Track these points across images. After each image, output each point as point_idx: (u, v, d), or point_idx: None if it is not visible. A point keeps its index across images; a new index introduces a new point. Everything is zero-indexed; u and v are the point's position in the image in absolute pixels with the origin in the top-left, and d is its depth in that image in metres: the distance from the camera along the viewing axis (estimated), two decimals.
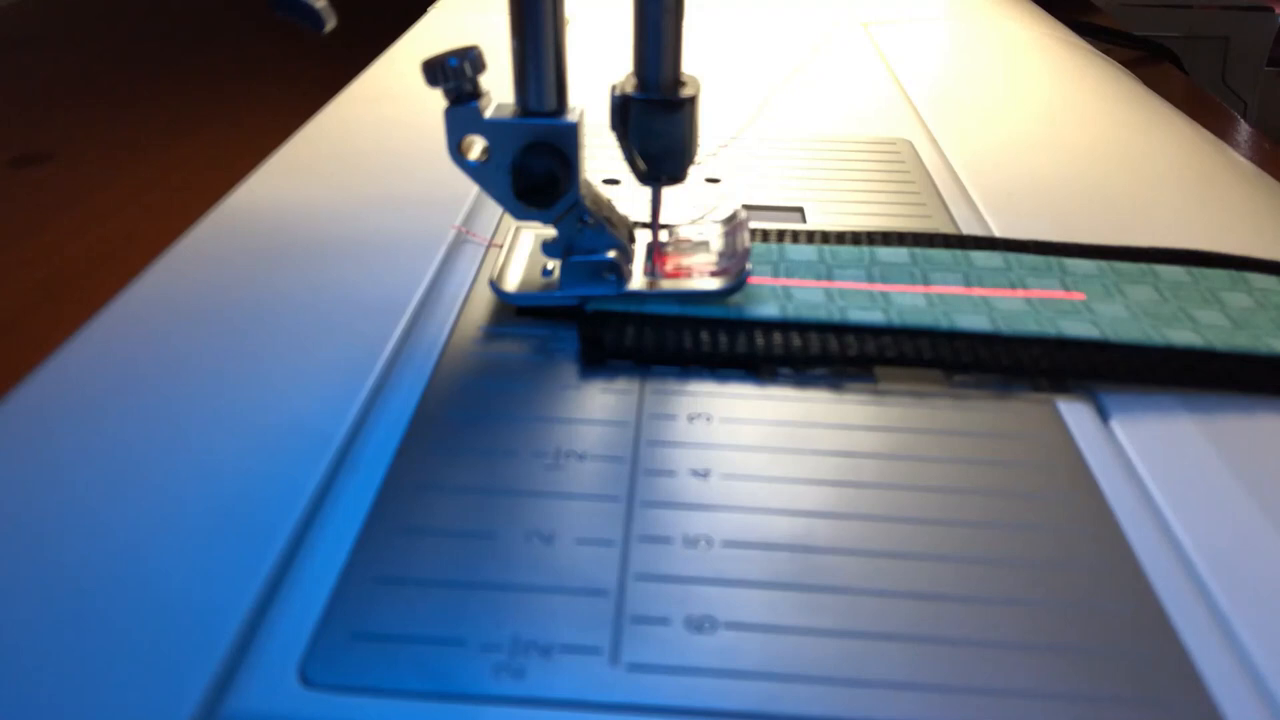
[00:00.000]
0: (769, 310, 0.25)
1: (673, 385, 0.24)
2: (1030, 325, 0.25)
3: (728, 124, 0.40)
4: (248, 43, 0.89)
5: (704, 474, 0.21)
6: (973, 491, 0.21)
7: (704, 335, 0.25)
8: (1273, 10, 0.84)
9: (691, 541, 0.19)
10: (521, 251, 0.28)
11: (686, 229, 0.29)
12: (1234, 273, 0.28)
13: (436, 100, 0.23)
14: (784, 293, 0.26)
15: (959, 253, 0.29)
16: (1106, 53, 0.58)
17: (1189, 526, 0.20)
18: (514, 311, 0.27)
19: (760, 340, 0.25)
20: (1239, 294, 0.27)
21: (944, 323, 0.25)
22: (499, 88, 0.24)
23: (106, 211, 0.55)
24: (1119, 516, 0.20)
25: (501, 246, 0.28)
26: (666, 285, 0.26)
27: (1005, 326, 0.25)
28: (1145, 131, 0.42)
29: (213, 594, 0.18)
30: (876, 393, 0.24)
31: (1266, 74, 0.85)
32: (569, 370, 0.24)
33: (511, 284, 0.26)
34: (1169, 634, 0.17)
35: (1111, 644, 0.17)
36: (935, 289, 0.27)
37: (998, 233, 0.31)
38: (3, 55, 0.83)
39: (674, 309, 0.26)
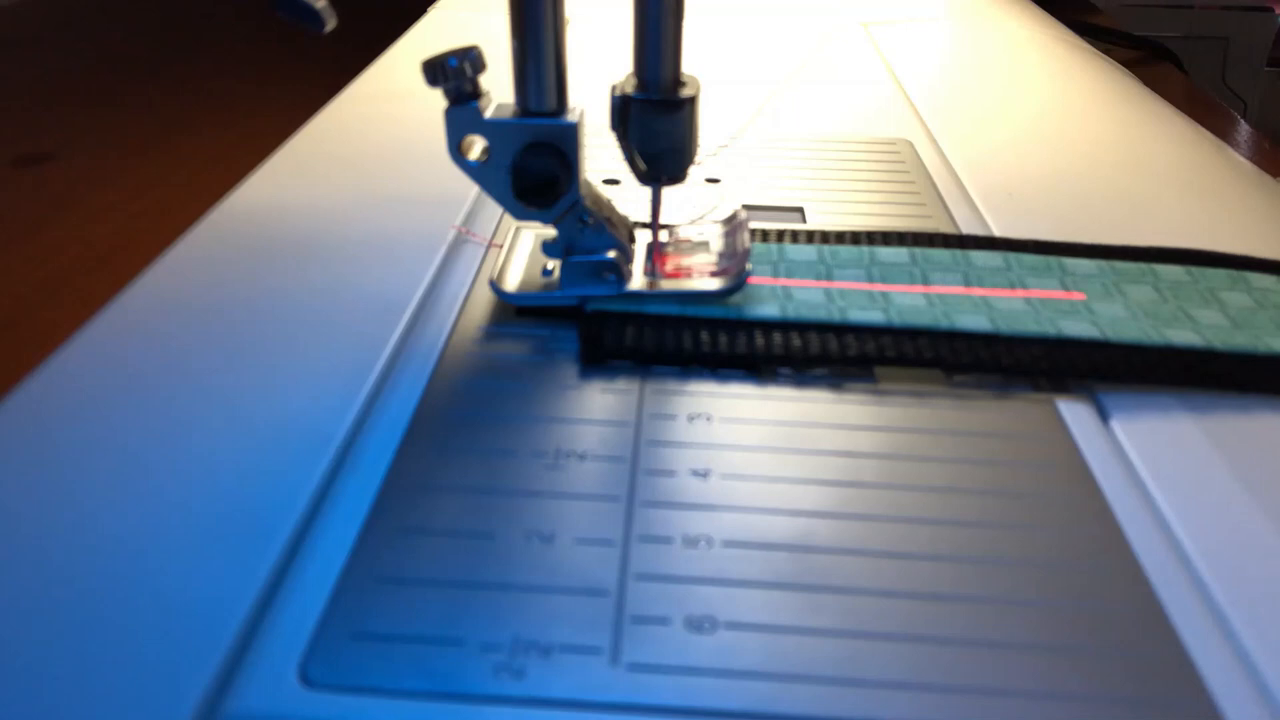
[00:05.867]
0: (769, 310, 0.25)
1: (673, 385, 0.24)
2: (1030, 325, 0.25)
3: (728, 124, 0.40)
4: (248, 43, 0.89)
5: (704, 474, 0.21)
6: (973, 491, 0.20)
7: (704, 335, 0.25)
8: (1273, 10, 0.84)
9: (691, 541, 0.19)
10: (521, 251, 0.28)
11: (686, 229, 0.29)
12: (1234, 272, 0.28)
13: (436, 100, 0.23)
14: (784, 293, 0.26)
15: (959, 253, 0.29)
16: (1106, 53, 0.58)
17: (1189, 526, 0.20)
18: (514, 311, 0.27)
19: (760, 340, 0.25)
20: (1239, 294, 0.27)
21: (944, 323, 0.25)
22: (499, 88, 0.24)
23: (106, 211, 0.55)
24: (1119, 516, 0.20)
25: (501, 246, 0.28)
26: (666, 285, 0.26)
27: (1005, 326, 0.25)
28: (1145, 131, 0.42)
29: (213, 594, 0.18)
30: (876, 393, 0.24)
31: (1266, 74, 0.85)
32: (569, 370, 0.24)
33: (511, 284, 0.26)
34: (1169, 634, 0.17)
35: (1111, 644, 0.17)
36: (935, 289, 0.27)
37: (998, 233, 0.31)
38: (3, 55, 0.83)
39: (674, 309, 0.26)
